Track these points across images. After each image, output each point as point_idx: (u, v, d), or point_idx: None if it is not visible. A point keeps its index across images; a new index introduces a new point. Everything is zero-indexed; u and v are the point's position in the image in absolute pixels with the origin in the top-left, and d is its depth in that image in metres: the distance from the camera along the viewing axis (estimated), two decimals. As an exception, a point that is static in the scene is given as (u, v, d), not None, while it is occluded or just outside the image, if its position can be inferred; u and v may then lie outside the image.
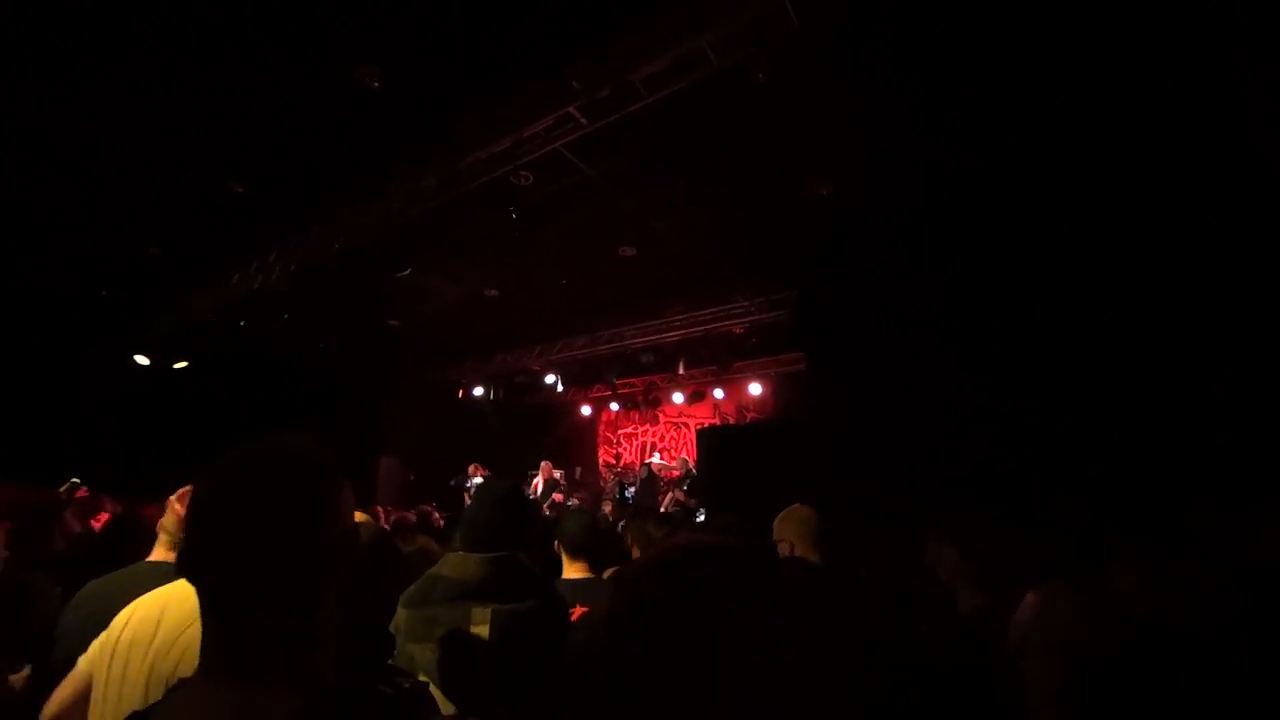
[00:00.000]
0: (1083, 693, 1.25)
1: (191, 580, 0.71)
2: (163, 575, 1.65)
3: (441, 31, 3.57)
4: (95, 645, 1.40)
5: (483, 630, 1.28)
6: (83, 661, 1.41)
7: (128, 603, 1.50)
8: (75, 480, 4.96)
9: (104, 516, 3.48)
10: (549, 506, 8.24)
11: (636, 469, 9.86)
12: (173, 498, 1.87)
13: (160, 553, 1.88)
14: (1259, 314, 3.69)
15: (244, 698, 0.65)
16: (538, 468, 9.45)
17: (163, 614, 1.39)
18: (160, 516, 2.11)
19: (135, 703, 1.28)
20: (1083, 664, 1.29)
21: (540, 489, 8.83)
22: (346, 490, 0.78)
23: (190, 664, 1.30)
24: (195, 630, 1.36)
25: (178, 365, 8.06)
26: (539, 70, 3.92)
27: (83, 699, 1.37)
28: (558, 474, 9.29)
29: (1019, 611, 1.24)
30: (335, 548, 0.74)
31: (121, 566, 1.90)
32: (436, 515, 5.34)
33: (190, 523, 0.72)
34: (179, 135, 4.48)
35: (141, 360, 7.73)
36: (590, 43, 3.67)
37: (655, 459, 9.68)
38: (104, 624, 1.45)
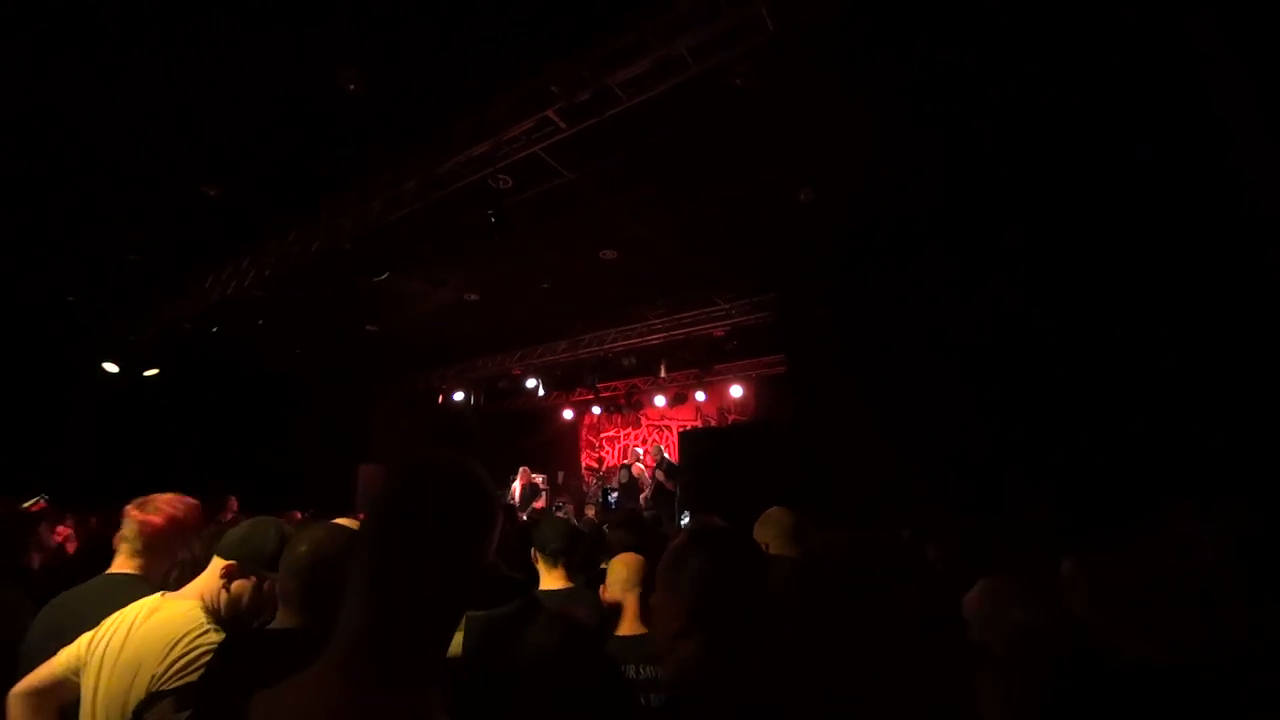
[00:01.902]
0: (1022, 689, 1.27)
1: (353, 591, 0.73)
2: (123, 586, 1.62)
3: (420, 34, 3.55)
4: (80, 644, 1.43)
5: (458, 636, 1.27)
6: (64, 654, 1.43)
7: (92, 615, 1.50)
8: (44, 495, 4.82)
9: (63, 531, 3.39)
10: (528, 513, 8.19)
11: (619, 472, 9.83)
12: (130, 506, 1.84)
13: (120, 563, 1.84)
14: (1229, 316, 3.78)
15: (372, 700, 0.68)
16: (517, 473, 9.38)
17: (129, 633, 1.41)
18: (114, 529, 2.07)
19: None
20: (1026, 662, 1.30)
21: (519, 495, 8.76)
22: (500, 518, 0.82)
23: (141, 685, 1.30)
24: (150, 648, 1.34)
25: (148, 373, 7.87)
26: (518, 74, 3.91)
27: (54, 687, 1.41)
28: (538, 479, 9.22)
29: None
30: (482, 575, 0.80)
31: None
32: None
33: (364, 538, 0.76)
34: (153, 137, 4.39)
35: (110, 368, 7.53)
36: (569, 47, 3.67)
37: (639, 451, 9.62)
38: (69, 638, 1.45)
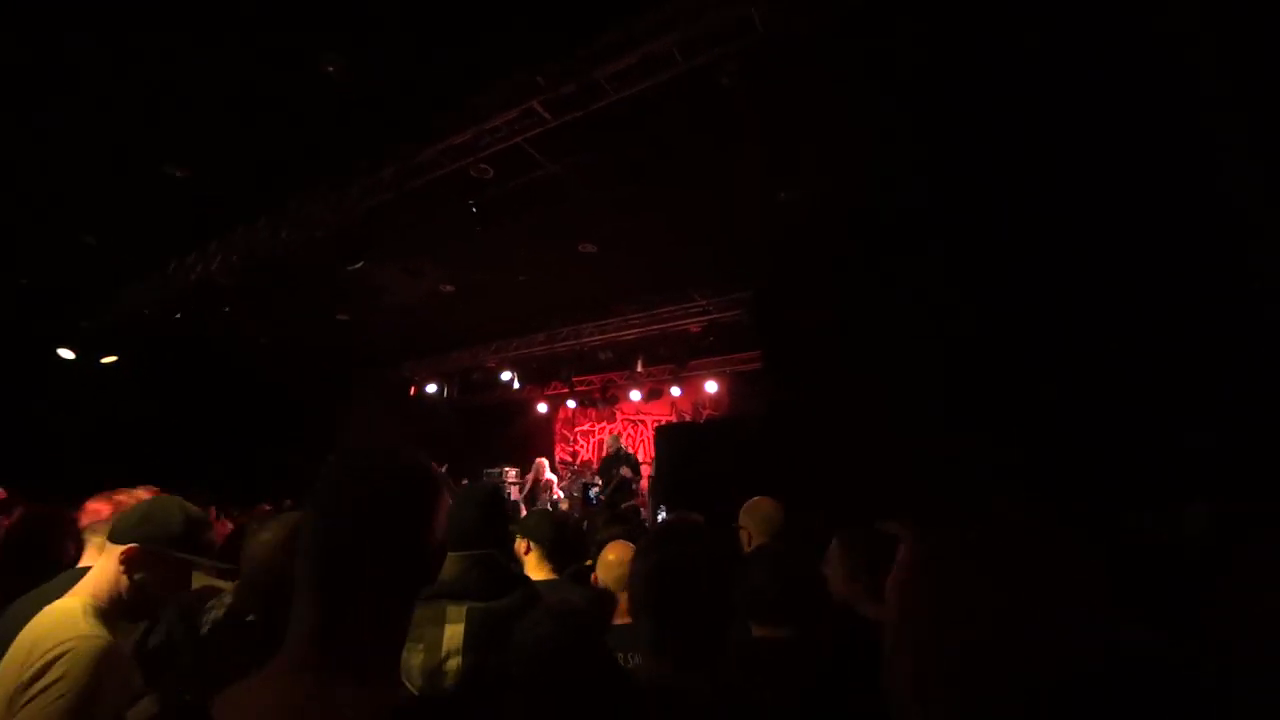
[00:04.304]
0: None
1: (302, 586, 0.74)
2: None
3: (404, 19, 3.49)
4: None
5: (458, 629, 1.27)
6: None
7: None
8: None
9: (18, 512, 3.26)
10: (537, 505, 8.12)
11: (595, 467, 9.80)
12: (95, 500, 1.78)
13: (90, 556, 1.78)
14: (1214, 316, 3.88)
15: (336, 693, 0.68)
16: (495, 466, 9.30)
17: (28, 639, 1.29)
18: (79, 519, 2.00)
19: None
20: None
21: (529, 488, 8.69)
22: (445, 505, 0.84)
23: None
24: (15, 659, 1.23)
25: (105, 360, 7.59)
26: (504, 63, 3.87)
27: None
28: (550, 476, 9.11)
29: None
30: (433, 560, 0.82)
31: (33, 570, 1.80)
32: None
33: (308, 533, 0.76)
34: (119, 114, 4.22)
35: (66, 354, 7.23)
36: (558, 38, 3.65)
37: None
38: None
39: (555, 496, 8.74)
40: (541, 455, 11.53)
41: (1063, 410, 4.24)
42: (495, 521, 1.50)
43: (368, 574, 0.73)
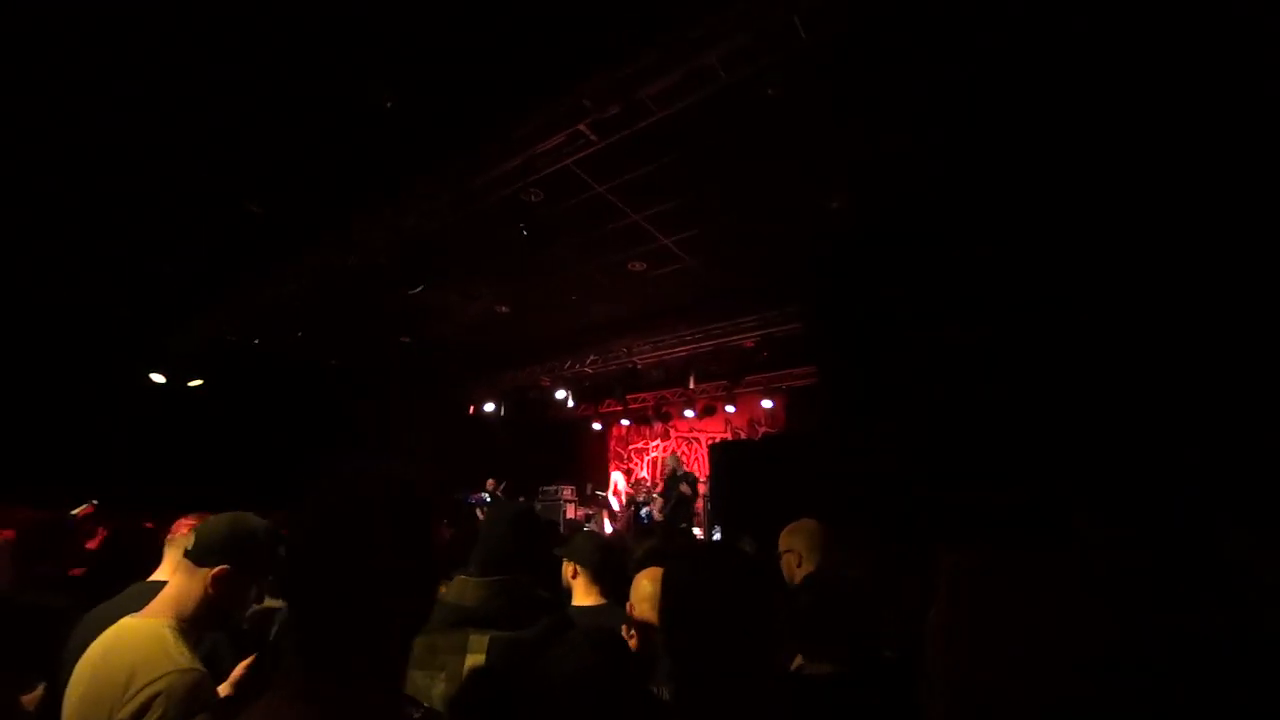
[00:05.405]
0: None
1: (289, 601, 0.75)
2: (151, 595, 1.59)
3: (453, 50, 3.61)
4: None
5: (479, 659, 1.24)
6: None
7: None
8: (94, 501, 4.97)
9: (102, 533, 3.48)
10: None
11: (648, 486, 9.72)
12: (188, 518, 1.85)
13: (163, 571, 1.84)
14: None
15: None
16: (551, 483, 9.36)
17: (92, 668, 1.29)
18: (163, 533, 2.09)
19: None
20: None
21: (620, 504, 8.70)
22: (439, 528, 0.82)
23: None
24: (111, 687, 1.21)
25: (192, 383, 8.14)
26: (550, 88, 3.94)
27: None
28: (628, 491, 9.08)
29: None
30: (425, 582, 0.79)
31: (123, 581, 1.88)
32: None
33: (291, 551, 0.76)
34: (196, 153, 4.55)
35: (157, 378, 7.81)
36: (601, 60, 3.69)
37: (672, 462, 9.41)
38: None
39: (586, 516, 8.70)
40: (598, 473, 11.57)
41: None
42: (524, 545, 1.44)
43: (351, 598, 0.71)
